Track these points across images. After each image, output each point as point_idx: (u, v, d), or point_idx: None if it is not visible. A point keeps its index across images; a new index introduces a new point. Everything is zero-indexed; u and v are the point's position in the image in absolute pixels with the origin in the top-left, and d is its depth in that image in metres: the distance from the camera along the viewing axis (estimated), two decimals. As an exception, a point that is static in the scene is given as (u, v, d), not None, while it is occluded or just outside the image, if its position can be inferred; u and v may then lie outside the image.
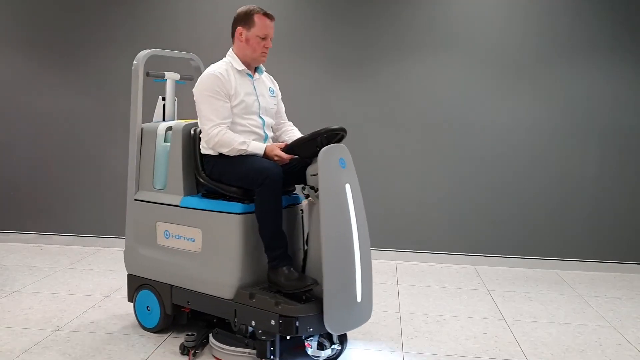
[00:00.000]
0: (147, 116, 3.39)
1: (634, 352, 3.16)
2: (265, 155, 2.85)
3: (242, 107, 2.93)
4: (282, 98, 3.25)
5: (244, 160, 2.84)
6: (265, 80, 3.14)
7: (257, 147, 2.86)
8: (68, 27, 5.07)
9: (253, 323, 2.75)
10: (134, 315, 3.34)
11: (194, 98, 2.95)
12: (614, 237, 4.76)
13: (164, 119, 3.42)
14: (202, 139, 2.99)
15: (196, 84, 2.96)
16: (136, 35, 4.99)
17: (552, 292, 4.19)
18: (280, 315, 2.63)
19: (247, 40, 2.95)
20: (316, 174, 2.66)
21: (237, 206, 2.86)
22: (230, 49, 3.04)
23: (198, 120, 2.99)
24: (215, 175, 2.97)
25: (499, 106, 4.78)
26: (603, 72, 4.68)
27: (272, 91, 3.14)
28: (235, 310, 2.82)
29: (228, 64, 2.98)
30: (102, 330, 3.25)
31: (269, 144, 2.97)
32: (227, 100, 2.90)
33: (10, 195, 5.25)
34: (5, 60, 5.17)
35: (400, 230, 4.92)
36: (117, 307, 3.61)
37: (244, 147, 2.84)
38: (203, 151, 3.00)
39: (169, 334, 3.20)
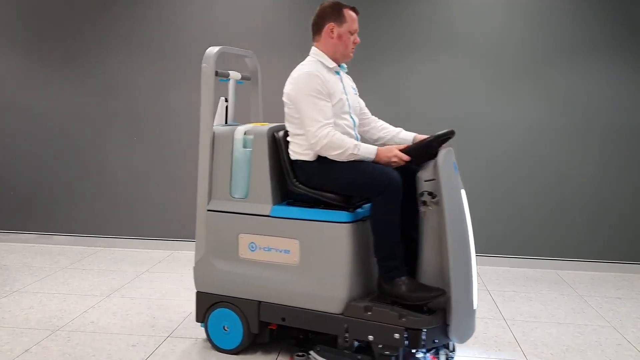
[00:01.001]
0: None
1: (634, 352, 3.16)
2: (377, 158, 2.66)
3: (338, 107, 2.75)
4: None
5: (355, 165, 2.65)
6: (347, 78, 2.98)
7: (368, 150, 2.65)
8: (68, 27, 5.07)
9: (370, 337, 2.59)
10: (134, 315, 3.33)
11: (289, 99, 2.76)
12: (614, 237, 4.76)
13: (226, 122, 3.22)
14: (291, 142, 2.81)
15: (291, 84, 2.76)
16: (137, 35, 4.97)
17: (552, 292, 4.19)
18: (406, 329, 2.50)
19: (339, 36, 2.79)
20: (432, 179, 2.55)
21: (343, 215, 2.67)
22: (314, 47, 2.88)
23: (287, 123, 2.81)
24: (314, 182, 2.75)
25: (499, 106, 4.78)
26: (603, 72, 4.68)
27: (354, 89, 2.99)
28: (347, 325, 2.65)
29: (317, 63, 2.81)
30: (102, 330, 3.24)
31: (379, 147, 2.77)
32: (329, 100, 2.71)
33: (10, 195, 5.25)
34: (6, 61, 5.17)
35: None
36: (117, 307, 3.61)
37: (355, 152, 2.63)
38: (294, 156, 2.79)
39: (167, 335, 3.20)
